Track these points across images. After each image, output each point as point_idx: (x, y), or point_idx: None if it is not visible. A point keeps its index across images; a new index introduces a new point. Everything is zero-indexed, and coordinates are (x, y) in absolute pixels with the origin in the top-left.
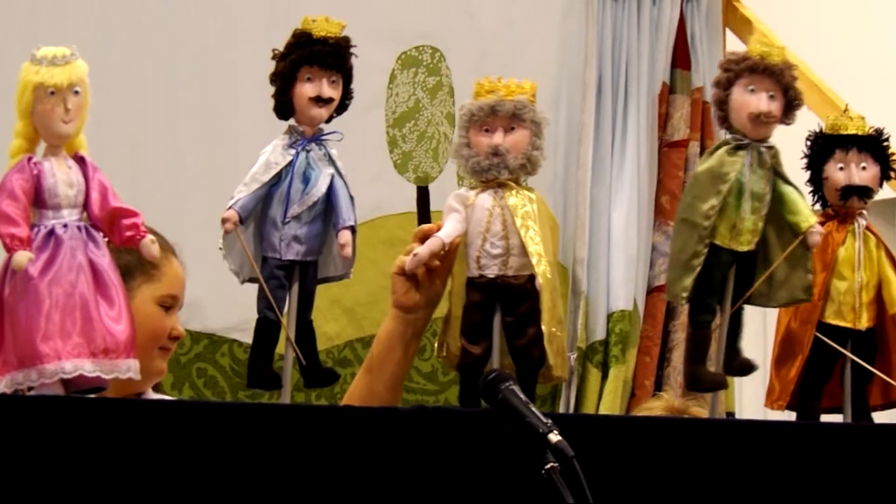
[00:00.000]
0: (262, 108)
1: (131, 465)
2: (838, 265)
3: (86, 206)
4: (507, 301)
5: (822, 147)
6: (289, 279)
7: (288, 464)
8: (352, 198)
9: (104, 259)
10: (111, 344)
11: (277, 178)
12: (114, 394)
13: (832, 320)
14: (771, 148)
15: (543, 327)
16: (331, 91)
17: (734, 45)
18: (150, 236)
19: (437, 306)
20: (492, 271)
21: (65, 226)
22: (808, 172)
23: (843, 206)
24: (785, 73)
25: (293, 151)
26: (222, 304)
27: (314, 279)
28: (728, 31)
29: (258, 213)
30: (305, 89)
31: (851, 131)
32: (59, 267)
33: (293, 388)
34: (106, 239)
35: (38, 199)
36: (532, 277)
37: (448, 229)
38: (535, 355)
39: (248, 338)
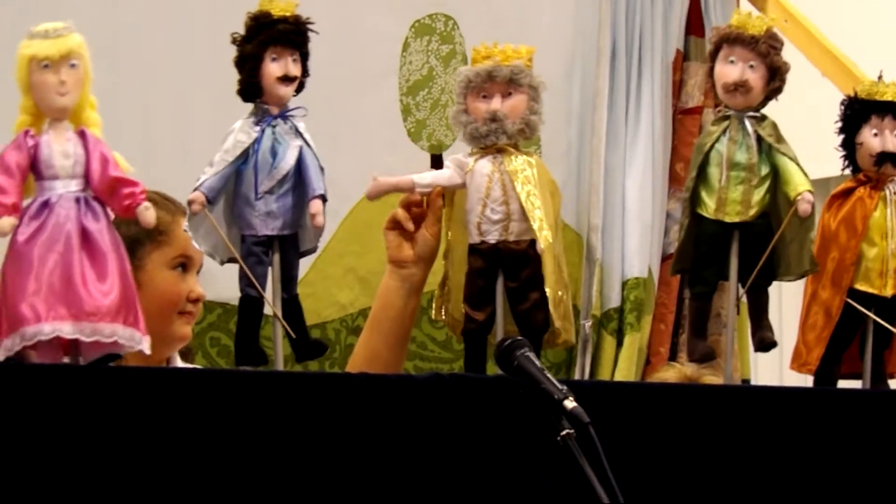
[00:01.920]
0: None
1: (144, 435)
2: (869, 231)
3: (87, 177)
4: (509, 266)
5: (858, 112)
6: (267, 255)
7: (302, 431)
8: (322, 168)
9: (101, 227)
10: (93, 307)
11: (245, 156)
12: (138, 363)
13: (859, 286)
14: (761, 119)
15: (548, 291)
16: (295, 69)
17: (748, 11)
18: (146, 203)
19: (433, 262)
20: (493, 237)
21: (60, 196)
22: (842, 137)
23: (876, 171)
24: (761, 42)
25: (259, 128)
26: (235, 273)
27: (294, 253)
28: None
29: (230, 193)
30: (272, 69)
31: (888, 98)
32: (47, 234)
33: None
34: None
35: (37, 171)
36: (533, 242)
37: (425, 175)
38: (539, 320)
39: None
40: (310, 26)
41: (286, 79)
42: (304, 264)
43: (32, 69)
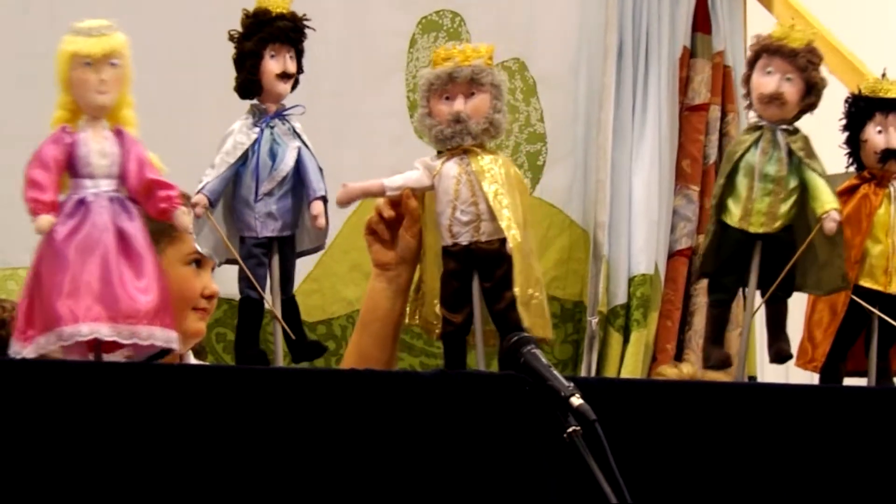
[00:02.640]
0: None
1: (151, 431)
2: (874, 228)
3: (123, 178)
4: (483, 267)
5: (862, 110)
6: (267, 256)
7: (308, 428)
8: (321, 168)
9: (136, 229)
10: (131, 310)
11: (244, 158)
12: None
13: (863, 283)
14: (793, 133)
15: (517, 290)
16: (292, 66)
17: (755, 9)
18: (182, 207)
19: (417, 262)
20: (465, 238)
21: (96, 195)
22: (846, 134)
23: (880, 169)
24: (800, 56)
25: (258, 129)
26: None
27: (292, 254)
28: None
29: (229, 194)
30: (271, 66)
31: (892, 95)
32: (85, 233)
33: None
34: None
35: (72, 168)
36: (505, 241)
37: (395, 178)
38: (516, 318)
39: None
40: (306, 23)
41: (285, 76)
42: (310, 261)
43: (73, 66)
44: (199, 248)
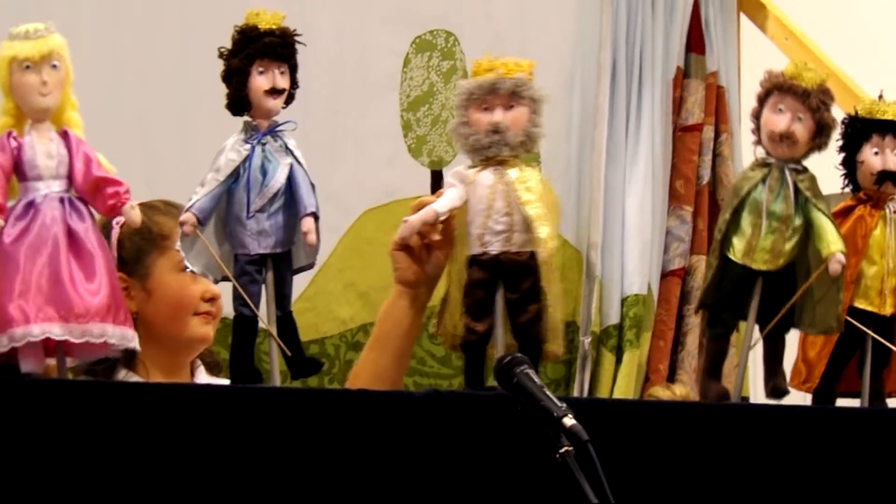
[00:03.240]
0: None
1: (143, 450)
2: (869, 250)
3: (71, 177)
4: (510, 278)
5: (859, 131)
6: (260, 273)
7: (300, 448)
8: (312, 185)
9: (86, 228)
10: (81, 309)
11: (236, 175)
12: (158, 367)
13: (858, 304)
14: (801, 172)
15: (550, 302)
16: (282, 82)
17: (749, 29)
18: (130, 202)
19: (437, 283)
20: (495, 248)
21: (46, 196)
22: (842, 155)
23: (876, 190)
24: (812, 96)
25: (249, 146)
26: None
27: (288, 270)
28: (743, 16)
29: (222, 212)
30: (259, 82)
31: (889, 117)
32: (34, 234)
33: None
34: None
35: (20, 172)
36: (534, 254)
37: (443, 201)
38: (537, 332)
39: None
40: (297, 38)
41: (274, 91)
42: (304, 279)
43: (13, 70)
44: (190, 267)
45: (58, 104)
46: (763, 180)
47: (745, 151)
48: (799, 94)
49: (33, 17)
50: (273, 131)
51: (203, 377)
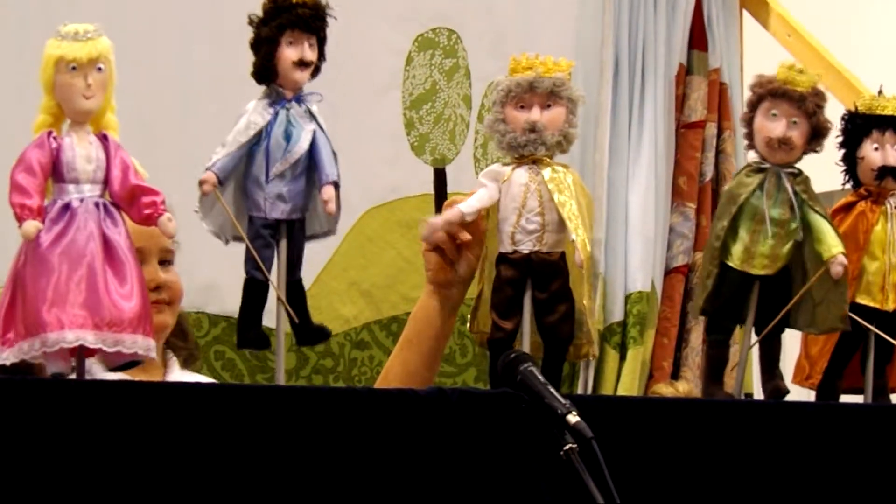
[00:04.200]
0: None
1: (147, 450)
2: (871, 245)
3: (107, 183)
4: (540, 277)
5: (859, 127)
6: (275, 238)
7: (305, 447)
8: (335, 153)
9: (120, 235)
10: (116, 318)
11: (258, 138)
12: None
13: (860, 300)
14: (797, 175)
15: (585, 302)
16: (311, 54)
17: (751, 26)
18: (167, 214)
19: (472, 282)
20: (526, 247)
21: (81, 200)
22: (842, 151)
23: (877, 186)
24: (808, 100)
25: (273, 110)
26: (240, 286)
27: (301, 237)
28: (745, 13)
29: (240, 174)
30: (289, 53)
31: (889, 112)
32: (70, 239)
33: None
34: None
35: (57, 173)
36: (563, 254)
37: (471, 201)
38: (566, 332)
39: (267, 321)
40: (329, 11)
41: (302, 63)
42: (308, 278)
43: (59, 70)
44: (205, 226)
45: (99, 107)
46: (760, 186)
47: None
48: (794, 99)
49: (36, 11)
50: (298, 99)
51: (176, 371)
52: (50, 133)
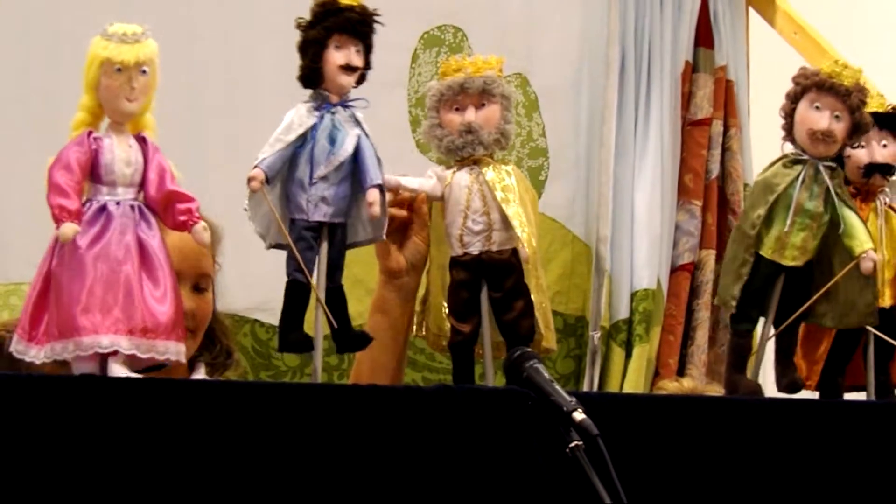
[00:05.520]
0: (284, 87)
1: (150, 445)
2: None
3: (143, 186)
4: (493, 276)
5: None
6: (317, 241)
7: (311, 443)
8: (379, 159)
9: (155, 240)
10: (151, 324)
11: (303, 140)
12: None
13: None
14: (834, 169)
15: (535, 297)
16: (357, 60)
17: (757, 23)
18: (202, 223)
19: (424, 269)
20: (476, 248)
21: (118, 203)
22: None
23: (865, 183)
24: (853, 95)
25: (318, 113)
26: (245, 284)
27: (343, 242)
28: (752, 10)
29: (284, 175)
30: (336, 57)
31: (872, 109)
32: (106, 242)
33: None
34: None
35: (94, 174)
36: (515, 251)
37: (412, 179)
38: (525, 328)
39: (270, 318)
40: (376, 18)
41: (348, 68)
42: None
43: (105, 71)
44: (254, 227)
45: (141, 109)
46: (797, 177)
47: (755, 146)
48: (840, 94)
49: (44, 10)
50: (344, 103)
51: (199, 377)
52: (90, 133)
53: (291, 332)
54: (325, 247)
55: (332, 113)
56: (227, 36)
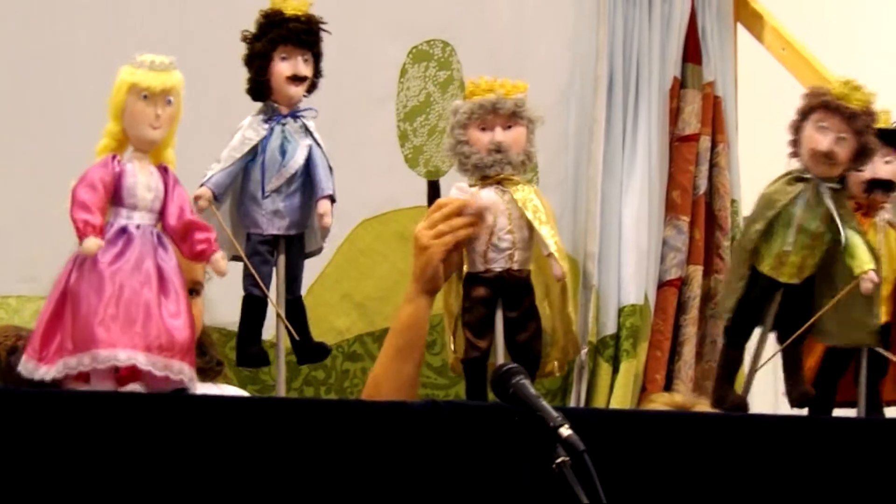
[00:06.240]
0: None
1: (137, 461)
2: None
3: (162, 215)
4: (511, 295)
5: None
6: (273, 254)
7: (298, 459)
8: (331, 168)
9: (171, 266)
10: (167, 343)
11: (253, 154)
12: None
13: None
14: (837, 190)
15: (571, 311)
16: (305, 69)
17: (745, 39)
18: (220, 252)
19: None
20: (499, 265)
21: (137, 226)
22: None
23: (866, 199)
24: (859, 118)
25: (268, 126)
26: (232, 298)
27: (300, 253)
28: (740, 26)
29: (237, 190)
30: (282, 68)
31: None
32: (126, 261)
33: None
34: None
35: (116, 196)
36: (529, 272)
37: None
38: (537, 349)
39: (266, 335)
40: (322, 26)
41: (296, 78)
42: (301, 289)
43: (131, 97)
44: None
45: (163, 139)
46: (799, 196)
47: (742, 162)
48: (846, 116)
49: (27, 13)
50: (294, 114)
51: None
52: (114, 157)
53: (250, 346)
54: (282, 259)
55: (283, 124)
56: (221, 44)
